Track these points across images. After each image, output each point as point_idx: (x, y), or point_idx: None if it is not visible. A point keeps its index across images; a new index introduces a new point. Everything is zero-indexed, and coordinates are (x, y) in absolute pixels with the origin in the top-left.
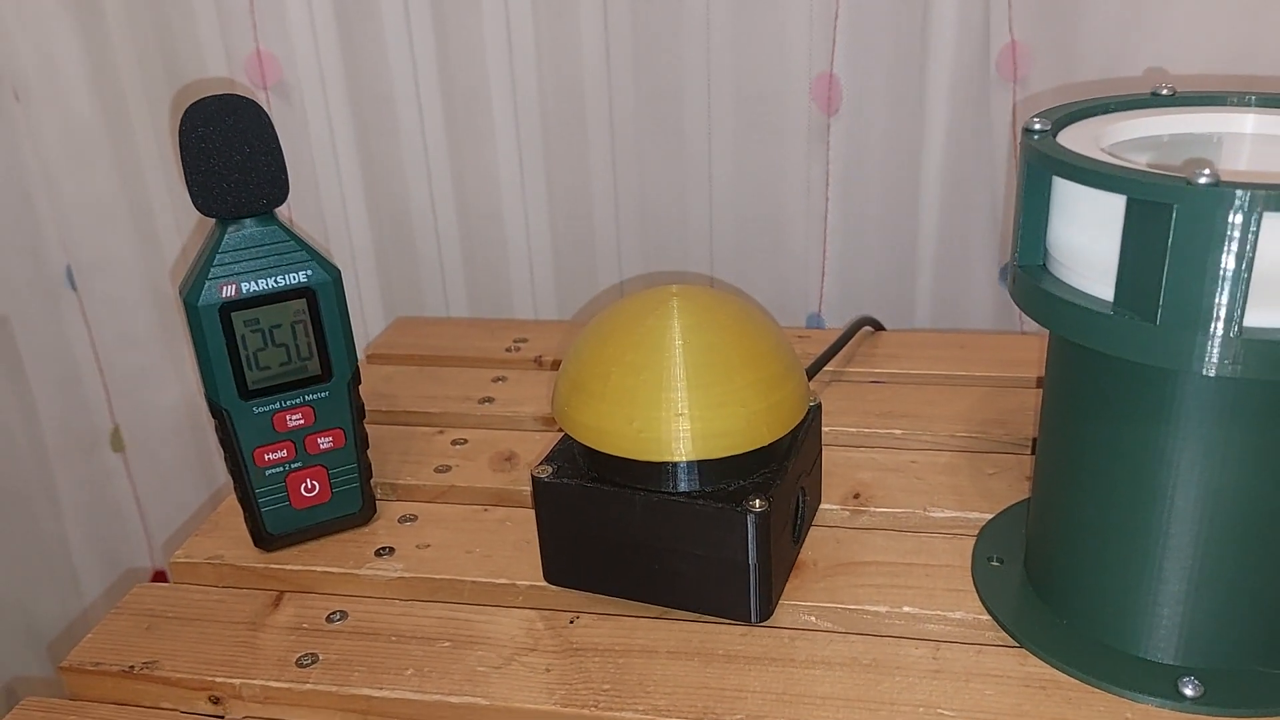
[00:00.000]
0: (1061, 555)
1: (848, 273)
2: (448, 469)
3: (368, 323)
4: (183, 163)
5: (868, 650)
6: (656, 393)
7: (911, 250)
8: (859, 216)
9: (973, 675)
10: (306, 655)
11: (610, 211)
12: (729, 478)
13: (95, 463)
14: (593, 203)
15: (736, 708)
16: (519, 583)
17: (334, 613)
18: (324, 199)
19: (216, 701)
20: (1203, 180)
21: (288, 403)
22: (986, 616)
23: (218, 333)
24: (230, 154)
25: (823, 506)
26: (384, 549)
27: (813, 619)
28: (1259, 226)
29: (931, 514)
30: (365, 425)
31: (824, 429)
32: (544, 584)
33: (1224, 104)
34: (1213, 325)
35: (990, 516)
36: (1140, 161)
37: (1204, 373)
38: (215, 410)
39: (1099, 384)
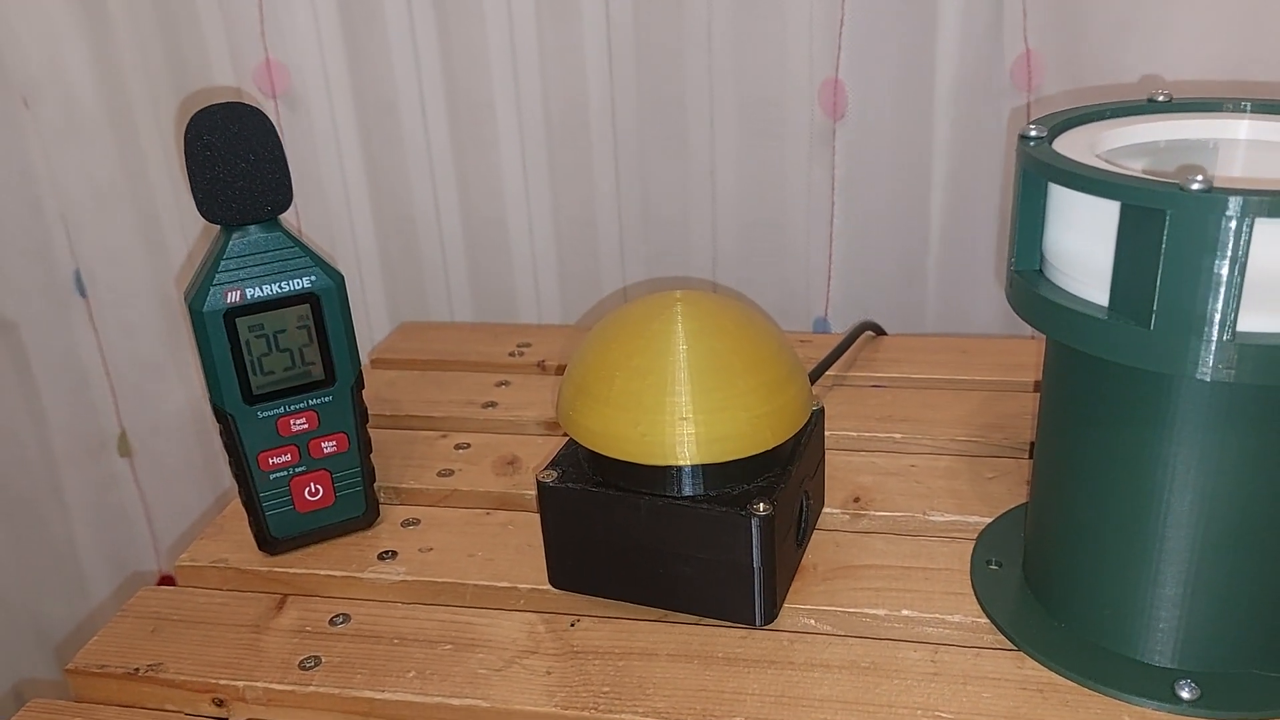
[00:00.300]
0: (1059, 559)
1: (855, 276)
2: (451, 473)
3: (373, 327)
4: (188, 170)
5: (866, 653)
6: (660, 397)
7: (920, 255)
8: (865, 221)
9: (970, 678)
10: (309, 658)
11: (614, 216)
12: (733, 482)
13: (103, 467)
14: (596, 208)
15: (735, 710)
16: (520, 586)
17: (337, 616)
18: (331, 205)
19: (220, 704)
20: (1195, 186)
21: (292, 407)
22: (985, 620)
23: (223, 338)
24: (235, 161)
25: (823, 510)
26: (387, 552)
27: (812, 622)
28: (1250, 231)
29: (931, 518)
30: (369, 429)
31: (826, 433)
32: (545, 587)
33: (1220, 110)
34: (1206, 330)
35: (989, 520)
36: (1137, 167)
37: (1198, 377)
38: (220, 415)
39: (1095, 388)
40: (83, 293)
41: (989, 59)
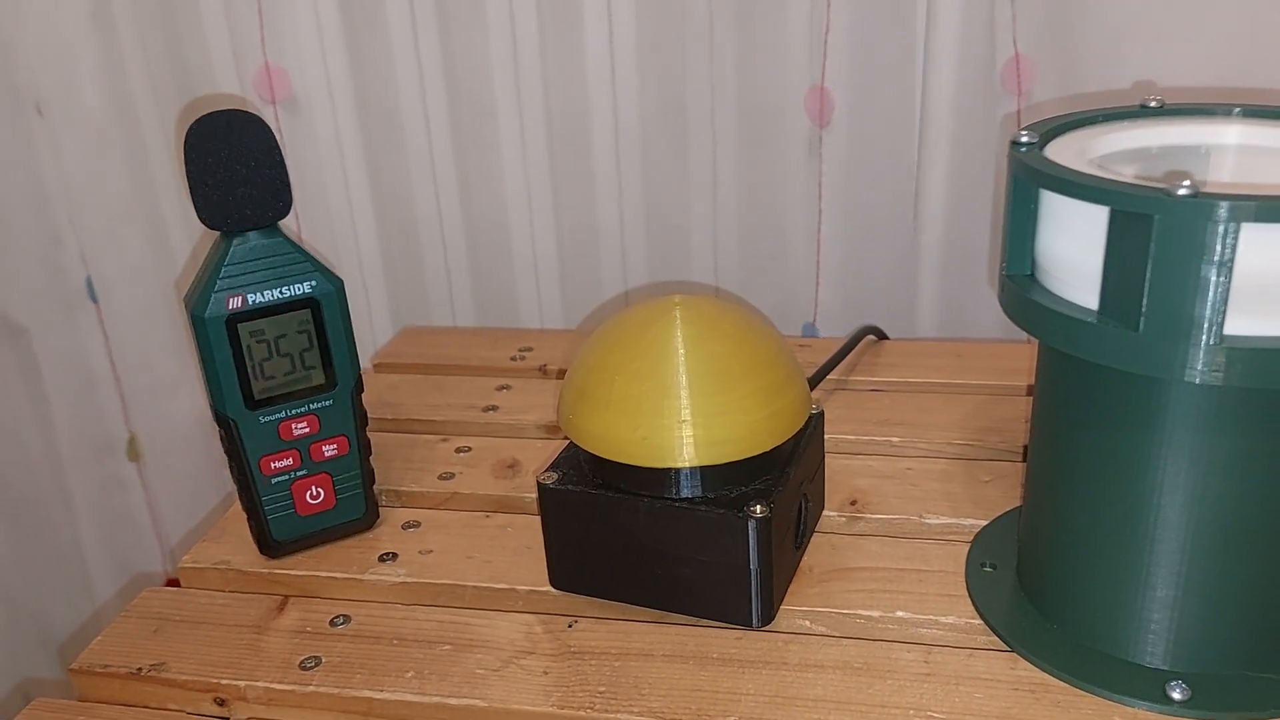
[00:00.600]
0: (1051, 561)
1: (851, 281)
2: (451, 476)
3: (376, 332)
4: (188, 177)
5: (860, 654)
6: (660, 400)
7: (914, 260)
8: (857, 227)
9: (963, 679)
10: (310, 658)
11: (615, 221)
12: (731, 484)
13: (110, 470)
14: (598, 213)
15: (730, 709)
16: (519, 588)
17: (337, 617)
18: (333, 210)
19: (222, 703)
20: (1182, 192)
21: (293, 411)
22: (978, 621)
23: (224, 344)
24: (235, 168)
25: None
26: (387, 554)
27: (807, 623)
28: (1237, 236)
29: (926, 520)
30: (369, 433)
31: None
32: (543, 589)
33: (1212, 115)
34: (1194, 333)
35: (984, 523)
36: (1128, 173)
37: (1187, 380)
38: (221, 420)
39: (1086, 392)
40: (94, 299)
41: (978, 64)
